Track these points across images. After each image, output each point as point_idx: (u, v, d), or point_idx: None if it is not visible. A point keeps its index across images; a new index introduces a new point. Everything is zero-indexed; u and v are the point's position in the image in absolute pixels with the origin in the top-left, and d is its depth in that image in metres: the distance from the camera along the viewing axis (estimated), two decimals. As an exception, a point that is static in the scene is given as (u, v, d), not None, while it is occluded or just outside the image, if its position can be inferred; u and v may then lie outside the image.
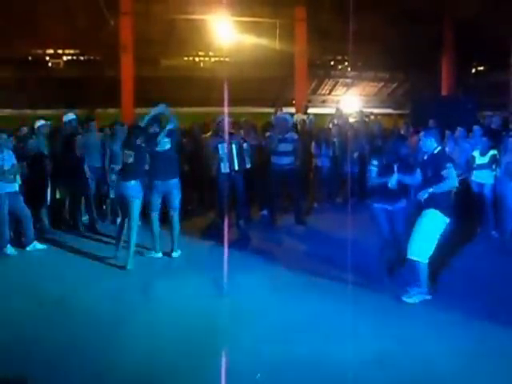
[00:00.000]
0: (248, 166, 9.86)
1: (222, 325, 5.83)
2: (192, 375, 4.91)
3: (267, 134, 10.81)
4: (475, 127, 10.25)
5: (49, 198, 9.64)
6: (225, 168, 9.42)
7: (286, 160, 10.04)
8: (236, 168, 9.50)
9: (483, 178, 9.40)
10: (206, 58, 24.17)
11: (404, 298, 6.47)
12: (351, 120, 14.47)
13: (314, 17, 18.78)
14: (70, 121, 10.31)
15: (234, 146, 9.50)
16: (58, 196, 9.77)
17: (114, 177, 10.07)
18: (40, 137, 9.81)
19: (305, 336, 5.62)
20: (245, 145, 9.81)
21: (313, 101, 23.36)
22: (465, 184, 9.84)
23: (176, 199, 8.14)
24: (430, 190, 6.39)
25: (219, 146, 9.39)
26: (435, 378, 4.91)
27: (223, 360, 5.09)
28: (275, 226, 10.17)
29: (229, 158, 9.42)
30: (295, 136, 10.44)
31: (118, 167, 10.07)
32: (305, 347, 5.36)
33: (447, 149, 10.72)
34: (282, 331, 5.75)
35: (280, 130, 10.28)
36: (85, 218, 10.04)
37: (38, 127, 9.97)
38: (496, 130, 10.92)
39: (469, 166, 9.66)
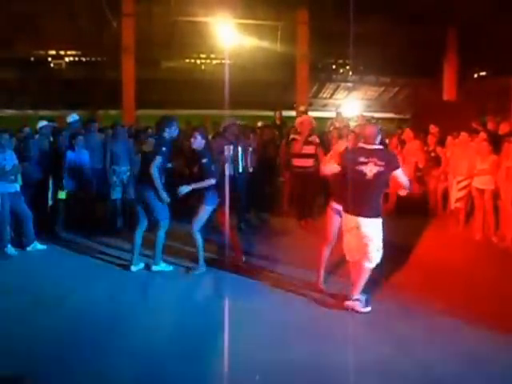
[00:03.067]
0: (250, 169, 9.91)
1: (219, 326, 5.82)
2: (190, 376, 4.90)
3: (291, 136, 10.78)
4: (481, 131, 10.25)
5: (50, 198, 9.64)
6: (229, 170, 9.42)
7: (309, 162, 10.19)
8: (240, 171, 9.51)
9: (484, 184, 9.37)
10: (208, 61, 24.19)
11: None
12: (352, 124, 14.45)
13: (316, 20, 18.77)
14: (73, 122, 10.35)
15: (240, 149, 9.52)
16: (59, 196, 9.73)
17: (114, 178, 10.08)
18: (42, 137, 9.82)
19: (303, 339, 5.61)
20: (250, 149, 9.85)
21: (314, 104, 23.39)
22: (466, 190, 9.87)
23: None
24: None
25: (225, 147, 9.40)
26: (434, 382, 4.90)
27: (221, 362, 5.09)
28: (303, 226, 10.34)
29: (234, 160, 9.44)
30: (317, 139, 10.57)
31: (118, 168, 10.10)
32: (303, 350, 5.35)
33: (448, 154, 10.79)
34: (281, 334, 5.74)
35: (307, 133, 10.40)
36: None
37: (40, 128, 9.99)
38: (497, 134, 10.91)
39: (471, 171, 9.65)
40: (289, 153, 10.71)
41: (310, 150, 10.32)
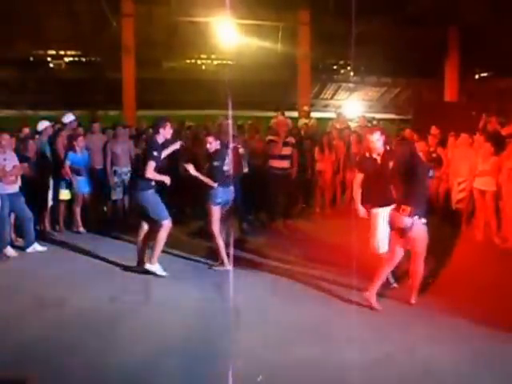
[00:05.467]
0: (245, 170, 9.89)
1: (222, 328, 5.79)
2: (192, 378, 4.88)
3: (269, 138, 10.81)
4: (478, 133, 10.20)
5: (50, 199, 9.61)
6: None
7: (286, 163, 10.18)
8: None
9: (485, 185, 9.33)
10: (209, 61, 24.19)
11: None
12: (353, 125, 14.43)
13: (317, 20, 18.75)
14: (69, 122, 10.31)
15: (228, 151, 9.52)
16: (62, 197, 9.71)
17: (116, 179, 10.05)
18: (43, 138, 9.79)
19: (306, 340, 5.60)
20: (241, 150, 9.81)
21: (315, 105, 23.35)
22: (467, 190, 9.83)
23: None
24: None
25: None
26: (438, 382, 4.90)
27: (223, 363, 5.06)
28: (272, 229, 10.25)
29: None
30: (293, 140, 10.66)
31: (119, 169, 10.07)
32: (306, 351, 5.32)
33: (449, 155, 10.74)
34: (283, 334, 5.72)
35: (283, 134, 10.41)
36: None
37: (42, 129, 9.94)
38: (499, 135, 10.86)
39: (472, 173, 9.61)
40: (267, 154, 10.69)
41: (286, 151, 10.36)
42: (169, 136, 7.65)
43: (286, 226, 10.43)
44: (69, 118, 10.45)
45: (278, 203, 10.62)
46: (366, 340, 5.52)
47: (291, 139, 10.60)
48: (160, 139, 7.55)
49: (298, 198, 11.88)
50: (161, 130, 7.54)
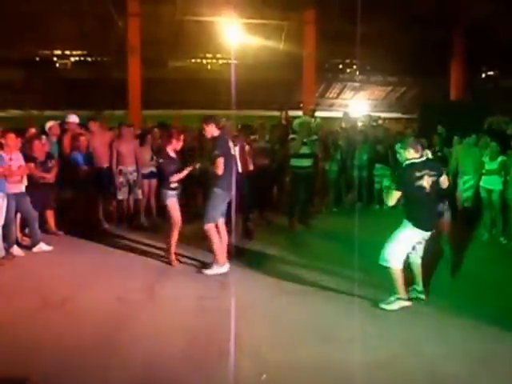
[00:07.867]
0: (250, 167, 9.90)
1: (225, 327, 5.78)
2: (195, 378, 4.87)
3: (290, 136, 10.81)
4: (484, 133, 10.19)
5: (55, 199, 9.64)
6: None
7: (307, 162, 10.17)
8: (239, 170, 9.50)
9: (492, 184, 9.32)
10: (214, 60, 24.19)
11: (382, 305, 6.35)
12: (359, 124, 14.42)
13: (323, 20, 18.71)
14: (68, 122, 10.30)
15: (236, 149, 9.51)
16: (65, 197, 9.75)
17: (121, 178, 10.05)
18: (52, 138, 9.81)
19: (309, 340, 5.59)
20: (247, 147, 9.83)
21: (321, 104, 23.33)
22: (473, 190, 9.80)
23: None
24: None
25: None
26: (442, 382, 4.87)
27: (226, 363, 5.05)
28: (294, 230, 10.22)
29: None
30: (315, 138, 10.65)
31: (125, 168, 10.07)
32: (309, 351, 5.32)
33: (455, 154, 10.73)
34: (286, 334, 5.72)
35: (304, 134, 10.42)
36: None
37: (49, 128, 9.96)
38: (505, 134, 10.85)
39: (477, 171, 9.59)
40: (287, 153, 10.69)
41: (307, 149, 10.32)
42: (216, 134, 7.70)
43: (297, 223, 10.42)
44: (70, 118, 10.42)
45: (296, 203, 10.57)
46: (371, 340, 5.50)
47: (314, 137, 10.57)
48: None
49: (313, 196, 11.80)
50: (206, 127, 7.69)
